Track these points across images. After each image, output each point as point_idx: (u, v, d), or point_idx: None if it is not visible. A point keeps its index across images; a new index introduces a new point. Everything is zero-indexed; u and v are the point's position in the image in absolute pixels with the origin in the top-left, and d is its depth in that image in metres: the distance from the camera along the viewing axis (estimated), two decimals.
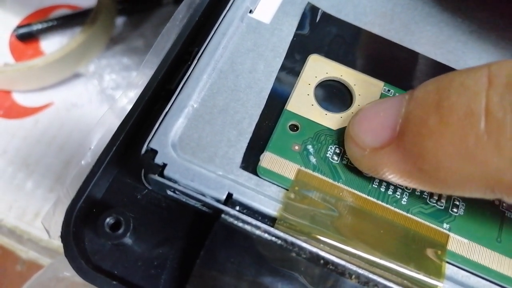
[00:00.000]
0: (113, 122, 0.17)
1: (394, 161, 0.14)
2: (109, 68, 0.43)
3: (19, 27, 0.43)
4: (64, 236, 0.16)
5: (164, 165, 0.16)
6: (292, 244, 0.15)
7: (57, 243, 0.36)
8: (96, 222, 0.16)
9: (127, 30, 0.45)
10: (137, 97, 0.17)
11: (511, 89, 0.12)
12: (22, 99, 0.42)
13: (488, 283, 0.15)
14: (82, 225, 0.16)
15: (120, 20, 0.45)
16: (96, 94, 0.42)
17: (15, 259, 0.36)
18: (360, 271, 0.14)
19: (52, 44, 0.44)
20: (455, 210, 0.16)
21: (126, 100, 0.18)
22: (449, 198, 0.16)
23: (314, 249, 0.14)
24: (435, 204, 0.16)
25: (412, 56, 0.19)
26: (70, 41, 0.41)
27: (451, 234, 0.16)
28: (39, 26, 0.43)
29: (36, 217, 0.38)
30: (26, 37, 0.43)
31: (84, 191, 0.16)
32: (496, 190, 0.13)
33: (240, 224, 0.15)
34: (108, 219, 0.15)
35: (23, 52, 0.43)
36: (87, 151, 0.16)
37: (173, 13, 0.21)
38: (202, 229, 0.16)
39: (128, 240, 0.16)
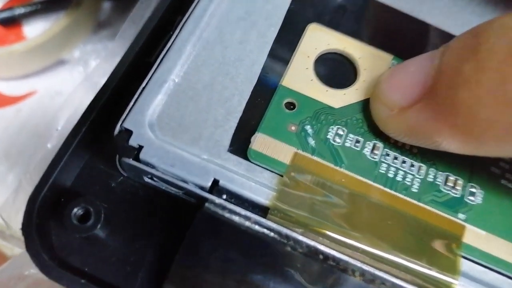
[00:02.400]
0: (84, 100, 0.15)
1: (425, 119, 0.13)
2: (95, 54, 0.41)
3: (0, 11, 0.41)
4: (25, 228, 0.14)
5: (140, 148, 0.14)
6: (287, 237, 0.13)
7: None
8: (62, 212, 0.14)
9: (115, 14, 0.43)
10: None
11: None
12: (3, 87, 0.40)
13: (507, 279, 0.14)
14: (47, 216, 0.14)
15: (107, 4, 0.43)
16: (81, 82, 0.41)
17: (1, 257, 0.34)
18: (365, 267, 0.13)
19: (36, 29, 0.42)
20: (471, 198, 0.14)
21: (100, 72, 0.16)
22: (465, 184, 0.15)
23: (312, 243, 0.13)
24: (450, 192, 0.14)
25: (423, 27, 0.18)
26: (53, 26, 0.39)
27: (467, 225, 0.14)
28: (22, 10, 0.42)
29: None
30: (7, 21, 0.41)
31: (49, 177, 0.14)
32: None
33: (227, 215, 0.13)
34: (75, 209, 0.14)
35: (5, 37, 0.41)
36: (54, 133, 0.14)
37: None
38: (184, 221, 0.14)
39: (100, 233, 0.14)
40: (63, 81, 0.40)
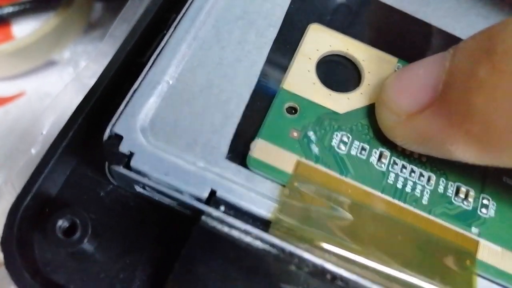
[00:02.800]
0: (72, 102, 0.14)
1: (435, 126, 0.12)
2: (85, 55, 0.41)
3: None
4: (4, 242, 0.13)
5: (131, 154, 0.13)
6: (291, 254, 0.12)
7: None
8: (46, 225, 0.13)
9: (106, 15, 0.43)
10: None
11: None
12: None
13: None
14: (30, 229, 0.13)
15: (98, 5, 0.42)
16: (71, 83, 0.40)
17: None
18: (375, 286, 0.12)
19: (25, 29, 0.41)
20: (484, 210, 0.14)
21: (90, 73, 0.15)
22: (478, 196, 0.14)
23: (319, 261, 0.12)
24: (461, 204, 0.14)
25: (428, 29, 0.17)
26: (43, 26, 0.38)
27: (481, 240, 0.13)
28: (10, 9, 0.41)
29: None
30: None
31: (32, 185, 0.13)
32: None
33: (226, 229, 0.12)
34: (60, 221, 0.13)
35: None
36: (38, 137, 0.13)
37: None
38: (179, 234, 0.13)
39: (87, 247, 0.13)
40: (52, 82, 0.39)
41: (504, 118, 0.11)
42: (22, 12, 0.40)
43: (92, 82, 0.15)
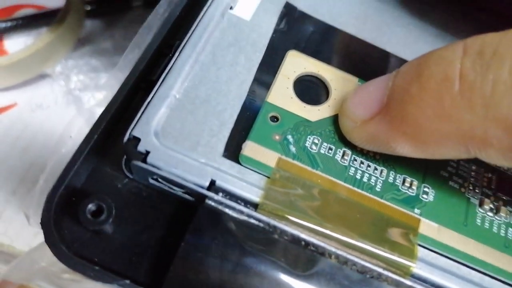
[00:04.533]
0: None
1: (382, 129, 0.16)
2: (76, 69, 0.42)
3: None
4: (44, 223, 0.15)
5: (147, 153, 0.16)
6: (275, 227, 0.15)
7: (19, 248, 0.34)
8: (77, 209, 0.15)
9: (96, 31, 0.45)
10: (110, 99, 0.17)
11: (482, 56, 0.14)
12: None
13: (455, 263, 0.16)
14: (62, 213, 0.16)
15: (88, 22, 0.44)
16: (62, 96, 0.41)
17: None
18: (339, 252, 0.15)
19: (17, 44, 0.42)
20: (425, 196, 0.17)
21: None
22: (420, 185, 0.17)
23: (295, 232, 0.15)
24: (407, 191, 0.17)
25: (383, 55, 0.20)
26: (36, 41, 0.40)
27: (422, 219, 0.17)
28: (3, 25, 0.42)
29: None
30: None
31: (65, 177, 0.16)
32: (469, 146, 0.14)
33: (224, 209, 0.15)
34: (90, 205, 0.15)
35: None
36: (67, 139, 0.16)
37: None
38: (184, 218, 0.16)
39: (108, 228, 0.16)
40: (44, 94, 0.41)
41: (428, 122, 0.14)
42: (14, 28, 0.42)
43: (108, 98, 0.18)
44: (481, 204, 0.18)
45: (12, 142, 0.39)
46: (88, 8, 0.43)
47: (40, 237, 0.20)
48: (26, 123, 0.40)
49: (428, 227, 0.17)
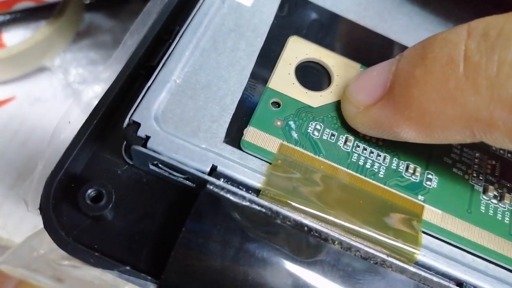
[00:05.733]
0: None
1: (385, 114, 0.15)
2: (75, 62, 0.42)
3: None
4: (43, 208, 0.15)
5: (147, 138, 0.15)
6: (277, 213, 0.15)
7: (18, 242, 0.34)
8: (76, 195, 0.15)
9: (95, 25, 0.44)
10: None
11: (486, 37, 0.13)
12: None
13: (460, 251, 0.16)
14: (61, 199, 0.16)
15: (87, 16, 0.44)
16: (61, 89, 0.41)
17: None
18: (342, 238, 0.15)
19: (15, 37, 0.42)
20: (428, 183, 0.17)
21: (107, 75, 0.18)
22: (423, 172, 0.17)
23: (298, 217, 0.15)
24: (410, 177, 0.17)
25: (385, 41, 0.20)
26: (35, 34, 0.40)
27: (426, 206, 0.17)
28: (1, 18, 0.42)
29: None
30: None
31: (64, 163, 0.16)
32: (475, 129, 0.14)
33: (226, 194, 0.15)
34: (89, 191, 0.15)
35: None
36: (66, 125, 0.16)
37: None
38: (184, 204, 0.16)
39: (107, 215, 0.16)
40: (42, 87, 0.41)
41: (433, 105, 0.14)
42: (12, 21, 0.42)
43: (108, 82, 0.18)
44: (485, 191, 0.17)
45: (11, 136, 0.39)
46: (87, 1, 0.43)
47: None
48: (25, 117, 0.40)
49: (432, 214, 0.16)
